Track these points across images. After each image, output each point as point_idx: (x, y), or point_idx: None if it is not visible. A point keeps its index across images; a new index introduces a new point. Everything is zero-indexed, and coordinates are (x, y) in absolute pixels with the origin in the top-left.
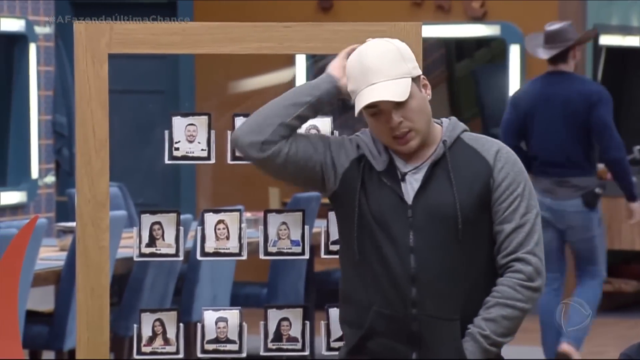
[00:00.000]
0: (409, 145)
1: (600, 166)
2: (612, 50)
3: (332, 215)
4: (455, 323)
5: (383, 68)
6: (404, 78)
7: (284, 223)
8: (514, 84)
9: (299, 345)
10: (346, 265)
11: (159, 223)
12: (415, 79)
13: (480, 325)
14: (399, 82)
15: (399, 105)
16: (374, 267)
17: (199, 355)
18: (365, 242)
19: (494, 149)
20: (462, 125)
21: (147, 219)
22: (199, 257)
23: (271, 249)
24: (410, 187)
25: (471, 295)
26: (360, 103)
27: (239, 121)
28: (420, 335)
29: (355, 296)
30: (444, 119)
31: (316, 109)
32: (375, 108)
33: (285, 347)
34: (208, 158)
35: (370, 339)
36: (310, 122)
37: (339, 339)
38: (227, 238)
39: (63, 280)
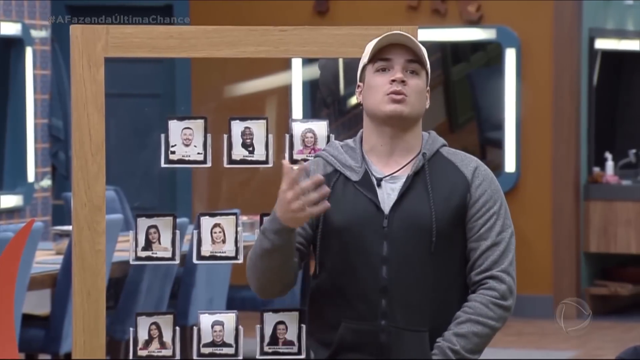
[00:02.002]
0: (400, 105)
1: (596, 169)
2: (607, 54)
3: None
4: (424, 335)
5: (412, 38)
6: (426, 57)
7: None
8: (509, 87)
9: (295, 349)
10: (314, 281)
11: (155, 227)
12: (427, 79)
13: (450, 339)
14: (424, 53)
15: (408, 72)
16: (342, 281)
17: (195, 358)
18: (332, 257)
19: (472, 164)
20: (441, 140)
21: (143, 223)
22: (195, 261)
23: None
24: (387, 196)
25: (440, 307)
26: (377, 44)
27: (235, 125)
28: (388, 346)
29: (324, 312)
30: (423, 132)
31: (285, 250)
32: (386, 62)
33: (281, 350)
34: (204, 162)
35: (339, 354)
36: (306, 126)
37: None
38: (224, 241)
39: (59, 284)
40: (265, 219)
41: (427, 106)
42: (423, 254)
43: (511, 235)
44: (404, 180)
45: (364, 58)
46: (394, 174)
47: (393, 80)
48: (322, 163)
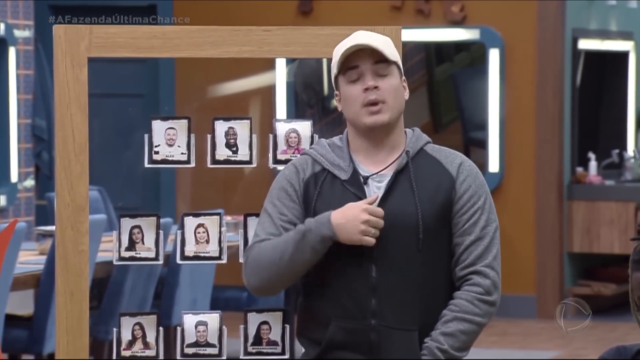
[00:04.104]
0: (377, 117)
1: (579, 169)
2: (590, 55)
3: None
4: (414, 334)
5: (375, 39)
6: (393, 49)
7: None
8: (493, 87)
9: (278, 349)
10: (304, 280)
11: (138, 227)
12: (399, 71)
13: (438, 339)
14: (389, 46)
15: (377, 75)
16: (332, 280)
17: (179, 358)
18: (322, 256)
19: (457, 161)
20: (426, 137)
21: (126, 223)
22: (178, 261)
23: None
24: (373, 193)
25: (430, 306)
26: (341, 56)
27: (219, 125)
28: (378, 345)
29: (312, 311)
30: (407, 130)
31: (317, 258)
32: (355, 70)
33: (265, 350)
34: (188, 162)
35: (329, 352)
36: (290, 126)
37: None
38: (207, 242)
39: (42, 284)
40: (307, 221)
41: (407, 97)
42: (410, 252)
43: (495, 230)
44: (389, 178)
45: (334, 69)
46: (381, 172)
47: (366, 89)
48: (310, 161)
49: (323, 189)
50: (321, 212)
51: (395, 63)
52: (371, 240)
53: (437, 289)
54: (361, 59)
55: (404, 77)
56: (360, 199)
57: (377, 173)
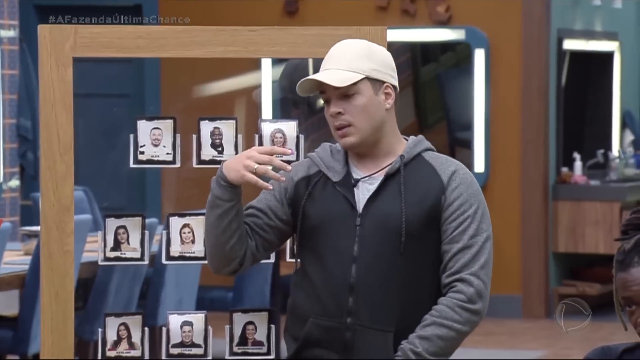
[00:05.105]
0: (346, 140)
1: (564, 170)
2: (576, 55)
3: None
4: (389, 335)
5: (342, 58)
6: (355, 73)
7: None
8: (478, 88)
9: (264, 349)
10: (293, 277)
11: (124, 227)
12: (375, 82)
13: (413, 342)
14: (348, 73)
15: (343, 97)
16: (315, 278)
17: (164, 359)
18: (308, 253)
19: (451, 168)
20: (427, 144)
21: (111, 223)
22: (164, 261)
23: None
24: (362, 195)
25: (409, 309)
26: (302, 82)
27: (204, 125)
28: (352, 344)
29: (297, 307)
30: (412, 137)
31: (233, 210)
32: (324, 94)
33: (250, 351)
34: (173, 162)
35: (306, 349)
36: (275, 126)
37: None
38: (193, 242)
39: (27, 285)
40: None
41: (389, 104)
42: (392, 254)
43: (486, 240)
44: (380, 180)
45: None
46: (373, 175)
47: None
48: (307, 163)
49: (314, 190)
50: (310, 213)
51: (364, 80)
52: (251, 177)
53: (420, 294)
54: (323, 85)
55: (388, 85)
56: (348, 200)
57: (368, 176)
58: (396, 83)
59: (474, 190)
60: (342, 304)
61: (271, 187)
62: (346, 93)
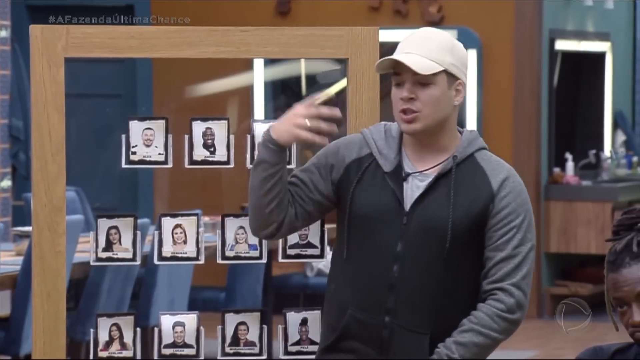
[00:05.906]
0: (410, 126)
1: (556, 170)
2: (568, 55)
3: None
4: (425, 337)
5: (424, 46)
6: (437, 63)
7: (241, 227)
8: (470, 88)
9: (256, 350)
10: (334, 265)
11: (115, 227)
12: (450, 77)
13: (450, 347)
14: (430, 62)
15: (418, 84)
16: (357, 270)
17: (156, 359)
18: (353, 244)
19: (502, 175)
20: (480, 143)
21: (103, 223)
22: (156, 262)
23: (229, 253)
24: (411, 192)
25: (447, 313)
26: (383, 60)
27: (196, 125)
28: (389, 343)
29: (336, 297)
30: (466, 130)
31: (278, 174)
32: (398, 77)
33: (242, 351)
34: (165, 162)
35: (344, 340)
36: (268, 126)
37: (296, 343)
38: (185, 242)
39: (19, 285)
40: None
41: (458, 101)
42: (435, 257)
43: (530, 250)
44: (430, 179)
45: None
46: (424, 172)
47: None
48: (360, 143)
49: (365, 176)
50: (359, 199)
51: (443, 71)
52: (306, 134)
53: (458, 298)
54: (403, 67)
55: (459, 80)
56: (396, 195)
57: (420, 172)
58: (466, 82)
59: (523, 199)
60: (382, 300)
61: (327, 142)
62: (423, 81)
